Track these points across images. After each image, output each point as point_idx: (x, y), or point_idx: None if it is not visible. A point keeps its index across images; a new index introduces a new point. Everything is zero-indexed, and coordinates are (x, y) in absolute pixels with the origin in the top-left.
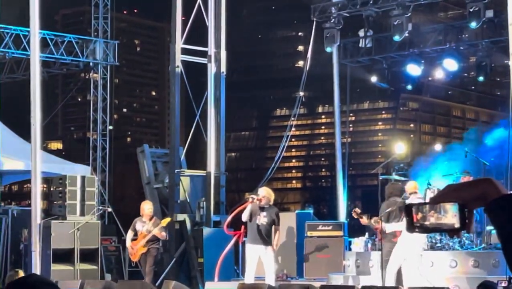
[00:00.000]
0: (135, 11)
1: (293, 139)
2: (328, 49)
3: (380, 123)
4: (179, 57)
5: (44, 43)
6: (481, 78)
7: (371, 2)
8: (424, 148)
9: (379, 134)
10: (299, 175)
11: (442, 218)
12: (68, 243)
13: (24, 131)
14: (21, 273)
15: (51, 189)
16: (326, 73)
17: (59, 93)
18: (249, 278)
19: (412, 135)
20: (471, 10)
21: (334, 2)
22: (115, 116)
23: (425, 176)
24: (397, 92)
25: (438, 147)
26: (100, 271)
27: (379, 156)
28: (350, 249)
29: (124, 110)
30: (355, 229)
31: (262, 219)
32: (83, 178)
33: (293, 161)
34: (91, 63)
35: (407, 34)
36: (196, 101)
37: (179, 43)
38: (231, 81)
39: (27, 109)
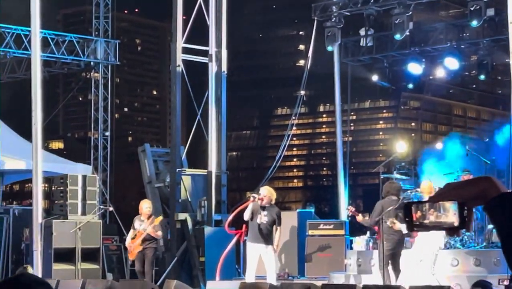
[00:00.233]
0: (136, 10)
1: (294, 139)
2: (329, 48)
3: (381, 122)
4: (180, 57)
5: (45, 43)
6: (482, 77)
7: (372, 1)
8: (425, 147)
9: (380, 133)
10: (300, 174)
11: (441, 216)
12: (69, 243)
13: (25, 131)
14: (30, 269)
15: (53, 188)
16: (327, 72)
17: (60, 93)
18: (250, 277)
19: (413, 134)
20: (472, 8)
21: (335, 1)
22: (116, 115)
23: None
24: (398, 91)
25: (439, 145)
26: (101, 270)
27: (380, 155)
28: (351, 248)
29: (125, 109)
30: (356, 227)
31: (263, 218)
32: (84, 177)
33: (294, 160)
34: (92, 63)
35: (408, 33)
36: (197, 100)
37: (180, 43)
38: (232, 81)
39: (28, 109)
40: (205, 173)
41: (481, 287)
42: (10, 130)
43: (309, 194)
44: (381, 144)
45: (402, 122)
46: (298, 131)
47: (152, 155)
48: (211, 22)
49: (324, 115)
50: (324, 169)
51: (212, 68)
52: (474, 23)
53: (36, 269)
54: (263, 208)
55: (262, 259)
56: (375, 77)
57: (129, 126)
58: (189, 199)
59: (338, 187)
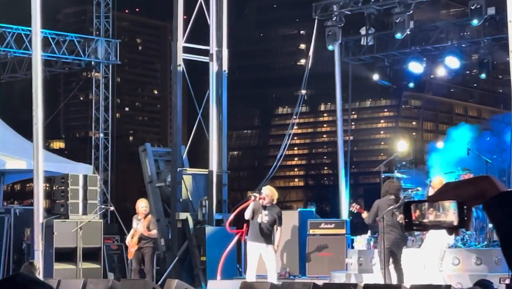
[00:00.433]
0: (137, 10)
1: (295, 138)
2: (330, 47)
3: (382, 121)
4: (180, 56)
5: (45, 42)
6: (483, 76)
7: (372, 0)
8: (426, 146)
9: (381, 132)
10: (302, 173)
11: (441, 215)
12: (70, 242)
13: (26, 131)
14: (36, 264)
15: (54, 188)
16: (328, 71)
17: (61, 93)
18: (250, 276)
19: (414, 133)
20: (472, 7)
21: (335, 0)
22: (117, 115)
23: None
24: (399, 90)
25: (440, 144)
26: (102, 270)
27: (382, 154)
28: (352, 247)
29: (126, 109)
30: (357, 227)
31: (264, 217)
32: (85, 176)
33: (296, 159)
34: (93, 62)
35: (408, 32)
36: (198, 99)
37: (181, 42)
38: (233, 80)
39: (29, 108)
40: (206, 172)
41: (482, 287)
42: (11, 130)
43: (310, 193)
44: (382, 143)
45: (403, 122)
46: (299, 131)
47: (153, 154)
48: (212, 21)
49: (325, 115)
50: (325, 168)
51: (213, 67)
52: (475, 22)
53: None
54: (264, 207)
55: (263, 259)
56: (376, 76)
57: (130, 126)
58: (190, 199)
59: (339, 186)
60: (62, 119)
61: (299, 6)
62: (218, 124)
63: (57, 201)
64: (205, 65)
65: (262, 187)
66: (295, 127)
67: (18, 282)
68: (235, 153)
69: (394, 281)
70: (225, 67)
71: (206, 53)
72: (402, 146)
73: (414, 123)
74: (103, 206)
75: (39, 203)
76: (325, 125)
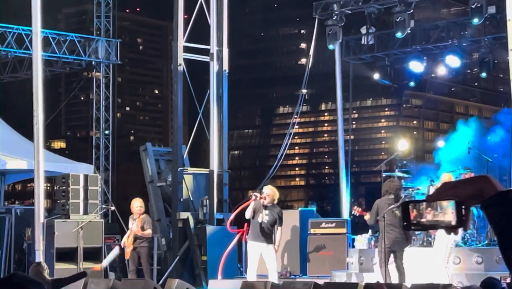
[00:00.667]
0: (138, 9)
1: (296, 137)
2: (330, 47)
3: (383, 120)
4: (181, 56)
5: (46, 42)
6: (483, 75)
7: None
8: (427, 145)
9: (382, 131)
10: (303, 172)
11: (439, 215)
12: (71, 242)
13: (27, 131)
14: (44, 265)
15: (54, 188)
16: (328, 70)
17: (62, 92)
18: (251, 275)
19: (415, 132)
20: (473, 6)
21: None
22: (118, 115)
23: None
24: (400, 89)
25: (441, 143)
26: (103, 269)
27: (382, 153)
28: (353, 246)
29: (127, 108)
30: (358, 226)
31: (264, 217)
32: (86, 176)
33: (296, 158)
34: (93, 62)
35: (409, 31)
36: (198, 99)
37: (181, 41)
38: (233, 79)
39: (30, 108)
40: (207, 172)
41: (490, 285)
42: (11, 130)
43: (311, 192)
44: (383, 142)
45: (404, 121)
46: (300, 130)
47: (154, 154)
48: (212, 21)
49: (326, 114)
50: (326, 167)
51: (214, 67)
52: (476, 21)
53: None
54: (265, 207)
55: (263, 258)
56: (376, 76)
57: (131, 126)
58: (191, 198)
59: (340, 186)
60: (63, 119)
61: (300, 5)
62: (218, 123)
63: (58, 201)
64: (206, 64)
65: (263, 186)
66: (296, 126)
67: (15, 282)
68: (236, 152)
69: (394, 280)
70: (225, 66)
71: (206, 52)
72: (403, 145)
73: (415, 122)
74: (104, 206)
75: (40, 203)
76: (326, 124)
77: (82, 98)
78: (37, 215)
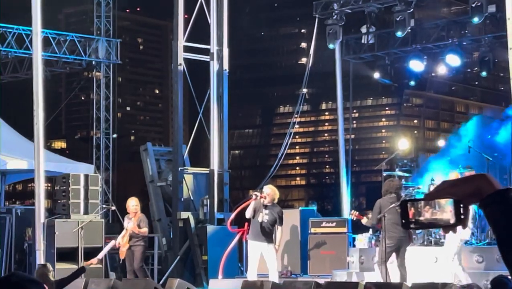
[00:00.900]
0: (138, 9)
1: (296, 136)
2: (330, 46)
3: (383, 119)
4: (181, 55)
5: (46, 42)
6: (484, 74)
7: None
8: (428, 144)
9: (383, 130)
10: (303, 172)
11: (437, 213)
12: (72, 242)
13: (27, 131)
14: (50, 266)
15: (55, 187)
16: (329, 70)
17: (63, 92)
18: (251, 275)
19: (416, 131)
20: (473, 5)
21: None
22: (118, 114)
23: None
24: (401, 88)
25: (441, 142)
26: (104, 269)
27: (383, 152)
28: (354, 246)
29: (128, 108)
30: (358, 225)
31: (264, 216)
32: (86, 176)
33: (297, 158)
34: (93, 62)
35: (409, 30)
36: (199, 99)
37: (182, 41)
38: (234, 79)
39: (30, 108)
40: (207, 172)
41: (500, 284)
42: (12, 130)
43: (312, 192)
44: (383, 142)
45: (404, 120)
46: (301, 129)
47: (154, 153)
48: (212, 20)
49: (327, 113)
50: (327, 166)
51: (214, 66)
52: (476, 19)
53: None
54: (265, 206)
55: (264, 258)
56: (377, 75)
57: (131, 126)
58: (192, 198)
59: (340, 185)
60: (63, 119)
61: (300, 4)
62: (219, 123)
63: (59, 201)
64: (206, 64)
65: (263, 185)
66: (297, 126)
67: (14, 281)
68: (237, 151)
69: (394, 279)
70: (226, 66)
71: (207, 52)
72: (403, 144)
73: (415, 121)
74: (104, 206)
75: (41, 203)
76: (326, 124)
77: (83, 98)
78: (37, 215)
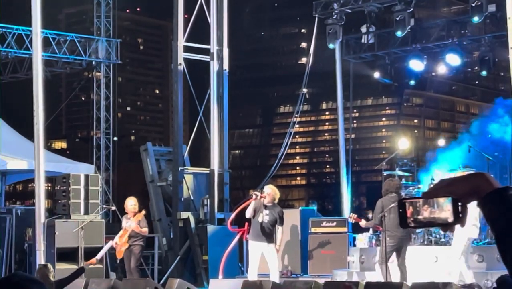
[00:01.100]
0: (138, 9)
1: (297, 136)
2: (330, 46)
3: (384, 119)
4: (181, 55)
5: (46, 42)
6: (484, 73)
7: None
8: (428, 143)
9: (383, 130)
10: (303, 171)
11: (436, 212)
12: (72, 242)
13: (27, 131)
14: (50, 267)
15: (55, 188)
16: (329, 69)
17: (63, 92)
18: (252, 275)
19: (416, 131)
20: (473, 4)
21: None
22: (118, 114)
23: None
24: (401, 88)
25: (441, 142)
26: (104, 269)
27: (383, 152)
28: (354, 245)
29: (128, 108)
30: (359, 225)
31: (265, 216)
32: (86, 176)
33: (297, 157)
34: (93, 62)
35: (409, 30)
36: (199, 99)
37: (181, 41)
38: (234, 79)
39: (30, 108)
40: (208, 171)
41: (504, 284)
42: (12, 130)
43: (312, 191)
44: (383, 141)
45: (404, 120)
46: (301, 129)
47: (154, 153)
48: (212, 20)
49: (327, 113)
50: (327, 166)
51: (214, 66)
52: (476, 19)
53: None
54: (265, 206)
55: (265, 258)
56: (377, 75)
57: (131, 126)
58: (192, 198)
59: (341, 185)
60: (63, 119)
61: (300, 4)
62: (219, 123)
63: (59, 201)
64: (206, 64)
65: (264, 185)
66: (297, 125)
67: (15, 281)
68: (237, 151)
69: (395, 278)
70: (226, 66)
71: (207, 52)
72: (403, 143)
73: (415, 121)
74: (104, 206)
75: (41, 203)
76: (326, 123)
77: (83, 98)
78: (37, 215)
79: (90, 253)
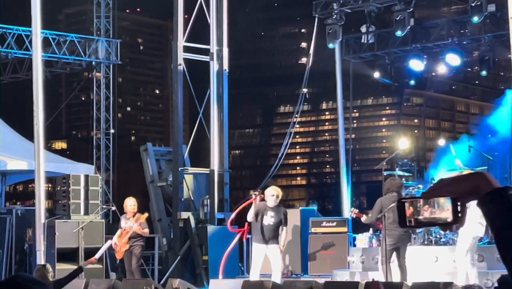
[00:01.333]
0: (138, 9)
1: (297, 136)
2: (330, 46)
3: (384, 119)
4: (181, 55)
5: (46, 43)
6: (484, 73)
7: None
8: (428, 143)
9: (383, 130)
10: (304, 171)
11: (436, 212)
12: (72, 242)
13: (27, 131)
14: (49, 268)
15: (55, 188)
16: (329, 69)
17: (63, 93)
18: (254, 276)
19: (416, 131)
20: (473, 4)
21: None
22: (118, 115)
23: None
24: (401, 88)
25: (441, 142)
26: (104, 270)
27: (383, 152)
28: (354, 245)
29: (128, 108)
30: (359, 225)
31: (269, 219)
32: (86, 177)
33: (298, 157)
34: (93, 62)
35: (409, 30)
36: (199, 99)
37: (181, 41)
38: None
39: (30, 109)
40: (208, 172)
41: (505, 284)
42: (12, 130)
43: (312, 191)
44: (384, 141)
45: (405, 119)
46: (301, 129)
47: (154, 154)
48: (212, 20)
49: (327, 113)
50: (327, 166)
51: (214, 66)
52: (475, 19)
53: None
54: (269, 208)
55: (269, 258)
56: (377, 74)
57: (131, 126)
58: (192, 198)
59: (341, 184)
60: (63, 120)
61: (300, 4)
62: (219, 123)
63: (59, 201)
64: (206, 64)
65: (264, 185)
66: (297, 125)
67: (18, 282)
68: (237, 151)
69: (396, 278)
70: (225, 66)
71: (206, 52)
72: (403, 143)
73: (416, 121)
74: (104, 206)
75: (41, 204)
76: (326, 123)
77: (83, 98)
78: (38, 216)
79: (90, 253)
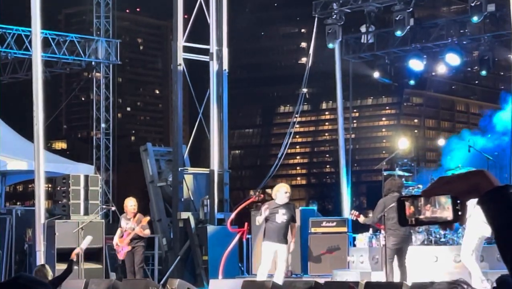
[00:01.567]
0: (138, 9)
1: (297, 136)
2: (330, 46)
3: (384, 119)
4: (181, 55)
5: (46, 43)
6: (483, 73)
7: None
8: (428, 143)
9: (383, 130)
10: (304, 171)
11: (437, 211)
12: (72, 243)
13: (27, 132)
14: (48, 268)
15: (55, 188)
16: (328, 69)
17: (63, 93)
18: (261, 276)
19: (416, 131)
20: (472, 4)
21: None
22: (118, 115)
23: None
24: (401, 88)
25: (441, 141)
26: (104, 270)
27: (383, 152)
28: (354, 245)
29: (128, 109)
30: (359, 225)
31: (282, 216)
32: (86, 177)
33: (297, 157)
34: (93, 63)
35: (409, 29)
36: (198, 99)
37: (181, 41)
38: (234, 79)
39: (30, 109)
40: (208, 172)
41: (504, 284)
42: (12, 131)
43: (312, 191)
44: (383, 141)
45: (404, 119)
46: (301, 129)
47: (154, 154)
48: (212, 20)
49: (327, 113)
50: (327, 166)
51: (213, 66)
52: (475, 18)
53: None
54: (281, 206)
55: (277, 258)
56: (376, 74)
57: (131, 126)
58: (192, 198)
59: (341, 184)
60: (63, 120)
61: (300, 4)
62: (219, 123)
63: (59, 202)
64: (206, 64)
65: (264, 185)
66: (297, 125)
67: (20, 283)
68: (237, 151)
69: (396, 278)
70: (225, 66)
71: (206, 52)
72: (403, 143)
73: (415, 120)
74: (104, 206)
75: (41, 204)
76: (326, 123)
77: (83, 98)
78: (37, 216)
79: (90, 253)
